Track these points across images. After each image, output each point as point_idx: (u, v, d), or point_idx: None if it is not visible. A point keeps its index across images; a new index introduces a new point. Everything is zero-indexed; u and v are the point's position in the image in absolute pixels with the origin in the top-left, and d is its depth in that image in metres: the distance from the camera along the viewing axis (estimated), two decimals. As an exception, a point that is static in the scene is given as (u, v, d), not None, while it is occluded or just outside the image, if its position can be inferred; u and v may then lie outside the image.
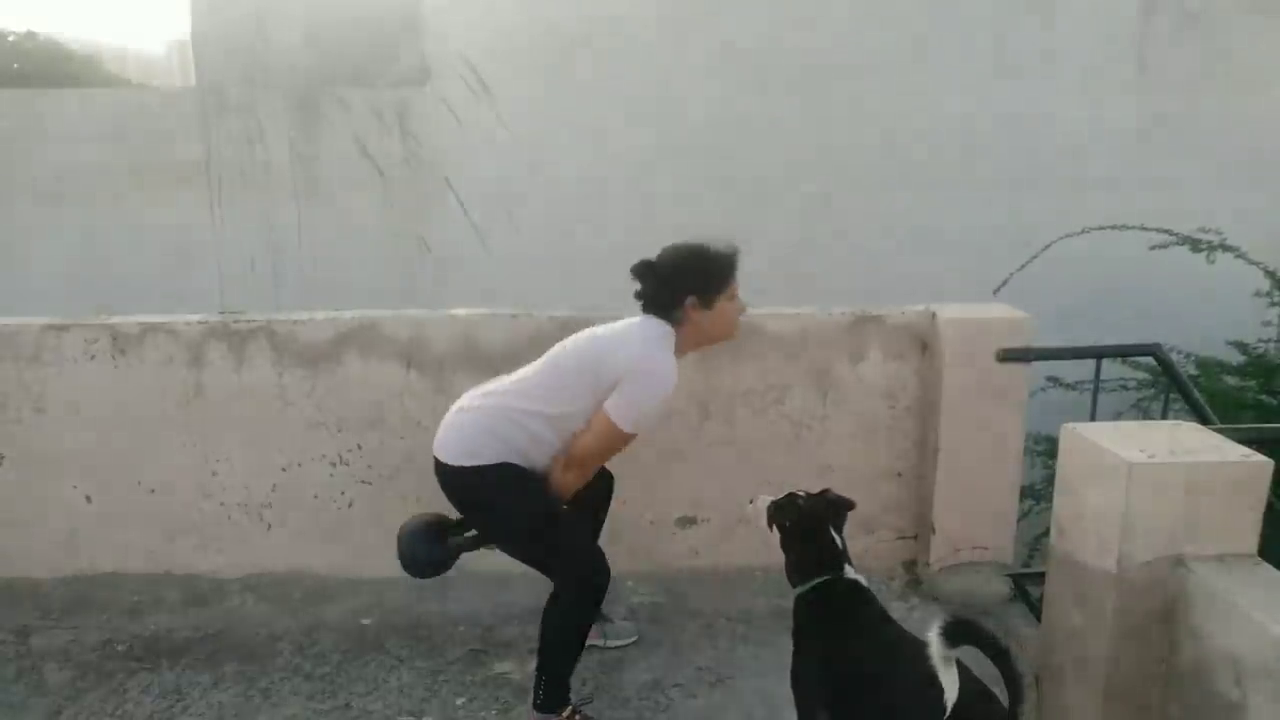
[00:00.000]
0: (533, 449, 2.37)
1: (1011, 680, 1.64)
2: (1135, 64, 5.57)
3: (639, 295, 2.43)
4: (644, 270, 2.41)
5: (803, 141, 5.55)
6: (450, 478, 2.38)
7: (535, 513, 2.38)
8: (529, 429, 2.35)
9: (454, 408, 2.46)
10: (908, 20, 5.53)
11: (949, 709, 1.63)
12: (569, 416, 2.36)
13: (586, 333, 2.46)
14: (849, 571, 2.09)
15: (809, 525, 2.13)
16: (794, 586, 2.13)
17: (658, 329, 2.39)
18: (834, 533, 2.13)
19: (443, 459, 2.38)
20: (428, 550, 2.45)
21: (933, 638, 1.62)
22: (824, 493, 2.20)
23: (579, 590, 2.35)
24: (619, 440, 2.35)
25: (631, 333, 2.40)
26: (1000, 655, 1.64)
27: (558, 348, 2.45)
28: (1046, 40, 5.52)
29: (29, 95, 6.14)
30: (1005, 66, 5.49)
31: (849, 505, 2.19)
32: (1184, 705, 1.99)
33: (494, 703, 2.62)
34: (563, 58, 5.79)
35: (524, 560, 2.45)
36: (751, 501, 2.28)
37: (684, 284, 2.38)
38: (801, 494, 2.21)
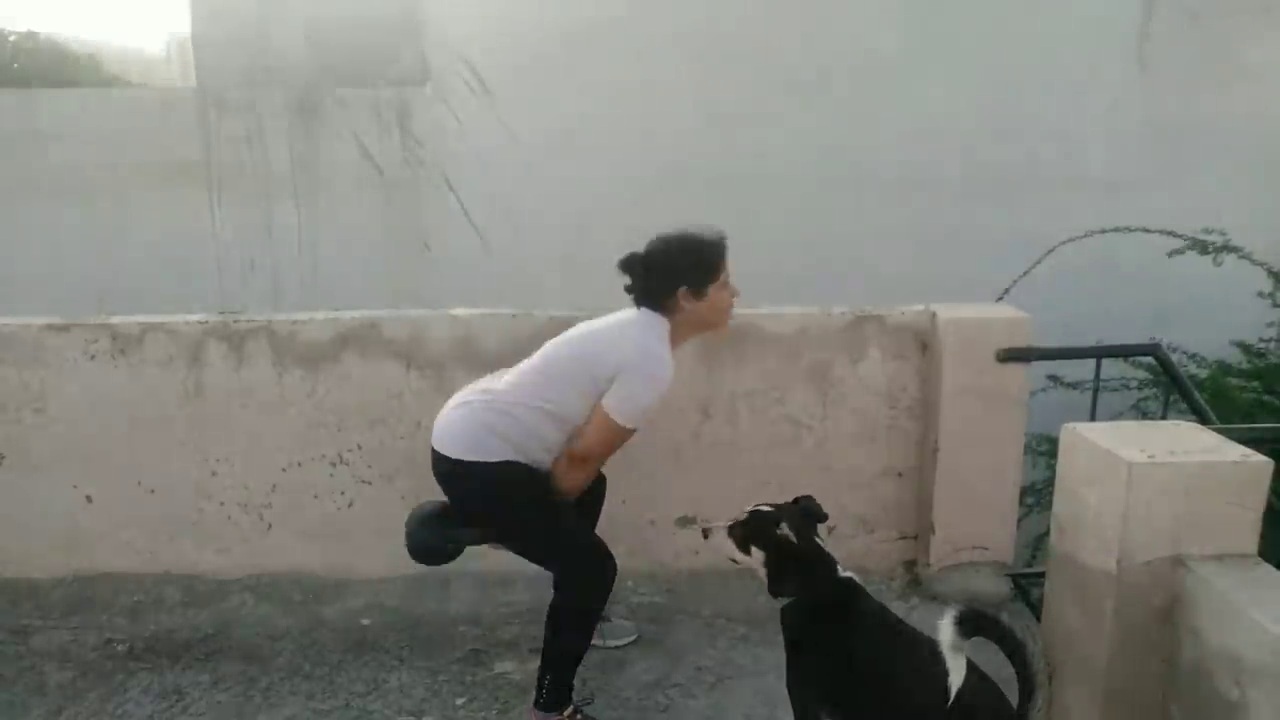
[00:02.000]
0: (531, 443, 2.36)
1: (1025, 678, 1.63)
2: (1135, 64, 5.57)
3: (629, 289, 2.42)
4: (632, 263, 2.40)
5: (803, 142, 5.54)
6: (450, 472, 2.37)
7: (538, 508, 2.38)
8: (528, 423, 2.34)
9: (451, 402, 2.46)
10: (908, 20, 5.53)
11: (952, 694, 1.61)
12: (567, 410, 2.35)
13: (581, 327, 2.46)
14: (840, 571, 2.07)
15: (800, 544, 2.06)
16: (777, 598, 2.09)
17: (651, 321, 2.38)
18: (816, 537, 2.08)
19: (443, 452, 2.37)
20: (436, 536, 2.45)
21: (945, 624, 1.61)
22: (797, 501, 2.15)
23: (584, 585, 2.35)
24: (620, 435, 2.35)
25: (626, 327, 2.39)
26: (1016, 651, 1.63)
27: (553, 343, 2.45)
28: (1047, 40, 5.52)
29: (29, 95, 6.13)
30: (1005, 66, 5.48)
31: (822, 518, 2.14)
32: (1184, 705, 1.99)
33: (494, 703, 2.62)
34: (563, 58, 5.79)
35: (528, 557, 2.45)
36: (705, 535, 2.22)
37: (675, 275, 2.36)
38: (767, 507, 2.14)
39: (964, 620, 1.61)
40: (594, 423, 2.33)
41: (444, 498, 2.45)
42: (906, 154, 5.54)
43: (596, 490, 2.70)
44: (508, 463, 2.33)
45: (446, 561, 2.50)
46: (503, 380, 2.43)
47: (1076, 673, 2.18)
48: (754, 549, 2.11)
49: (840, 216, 5.55)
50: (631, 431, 2.35)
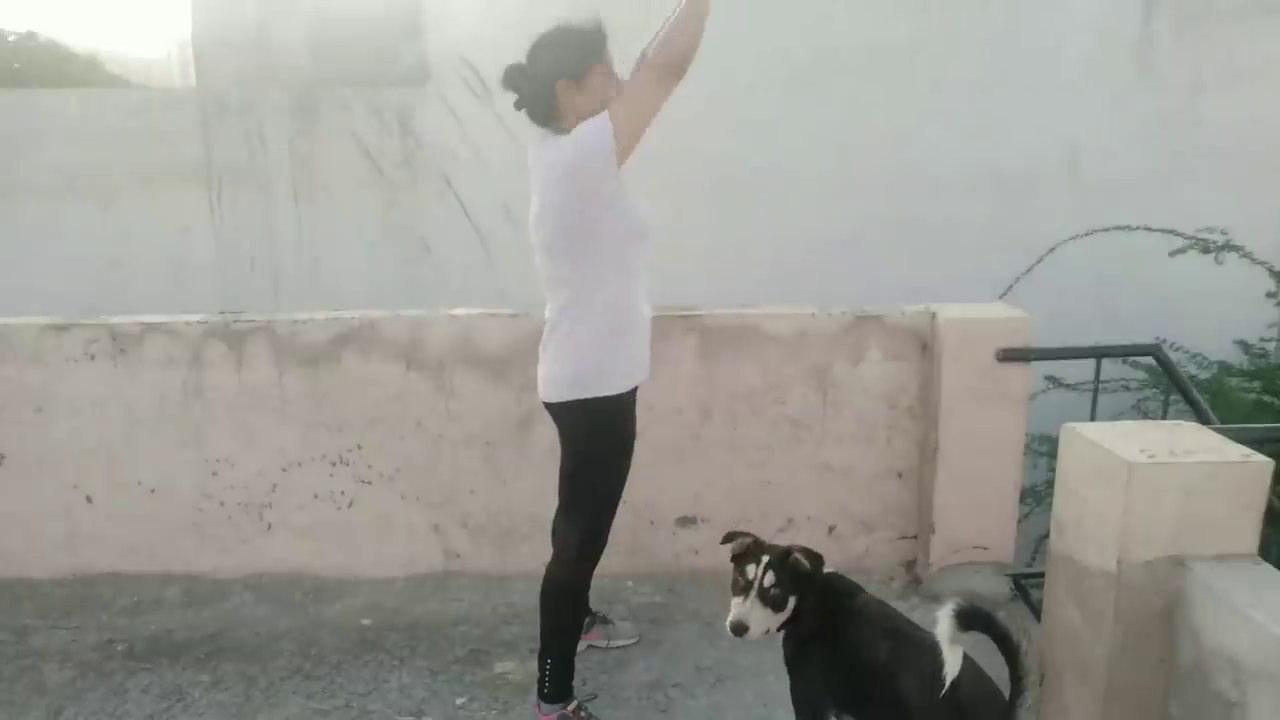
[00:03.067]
0: (614, 317, 2.26)
1: (1016, 676, 1.65)
2: (1135, 64, 5.57)
3: (518, 105, 2.29)
4: (513, 73, 2.26)
5: (802, 142, 5.54)
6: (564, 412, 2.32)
7: (616, 451, 2.36)
8: (596, 310, 2.24)
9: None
10: (907, 19, 5.52)
11: (947, 683, 1.63)
12: (592, 263, 2.22)
13: (532, 210, 2.29)
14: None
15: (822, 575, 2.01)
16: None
17: (548, 132, 2.24)
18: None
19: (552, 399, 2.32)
20: None
21: (943, 616, 1.63)
22: (791, 549, 2.01)
23: (580, 549, 2.37)
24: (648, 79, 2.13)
25: (539, 165, 2.23)
26: (1010, 650, 1.65)
27: (536, 250, 2.32)
28: (1046, 40, 5.51)
29: (29, 95, 6.13)
30: (1005, 66, 5.48)
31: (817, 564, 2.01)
32: (1184, 705, 1.99)
33: (494, 703, 2.62)
34: (563, 58, 5.76)
35: (569, 487, 2.39)
36: (740, 631, 1.96)
37: (549, 68, 2.20)
38: (769, 578, 1.96)
39: (962, 614, 1.62)
40: (627, 95, 2.13)
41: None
42: (905, 153, 5.54)
43: None
44: (602, 398, 2.27)
45: None
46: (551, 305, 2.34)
47: (1076, 673, 2.18)
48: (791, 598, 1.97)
49: (840, 216, 5.54)
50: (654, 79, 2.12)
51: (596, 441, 2.33)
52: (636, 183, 2.27)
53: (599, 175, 2.13)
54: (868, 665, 1.90)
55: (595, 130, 2.09)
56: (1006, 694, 1.70)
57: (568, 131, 2.18)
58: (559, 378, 2.30)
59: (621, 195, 2.20)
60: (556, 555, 2.42)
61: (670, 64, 2.09)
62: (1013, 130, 5.52)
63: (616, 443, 2.37)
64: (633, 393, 2.38)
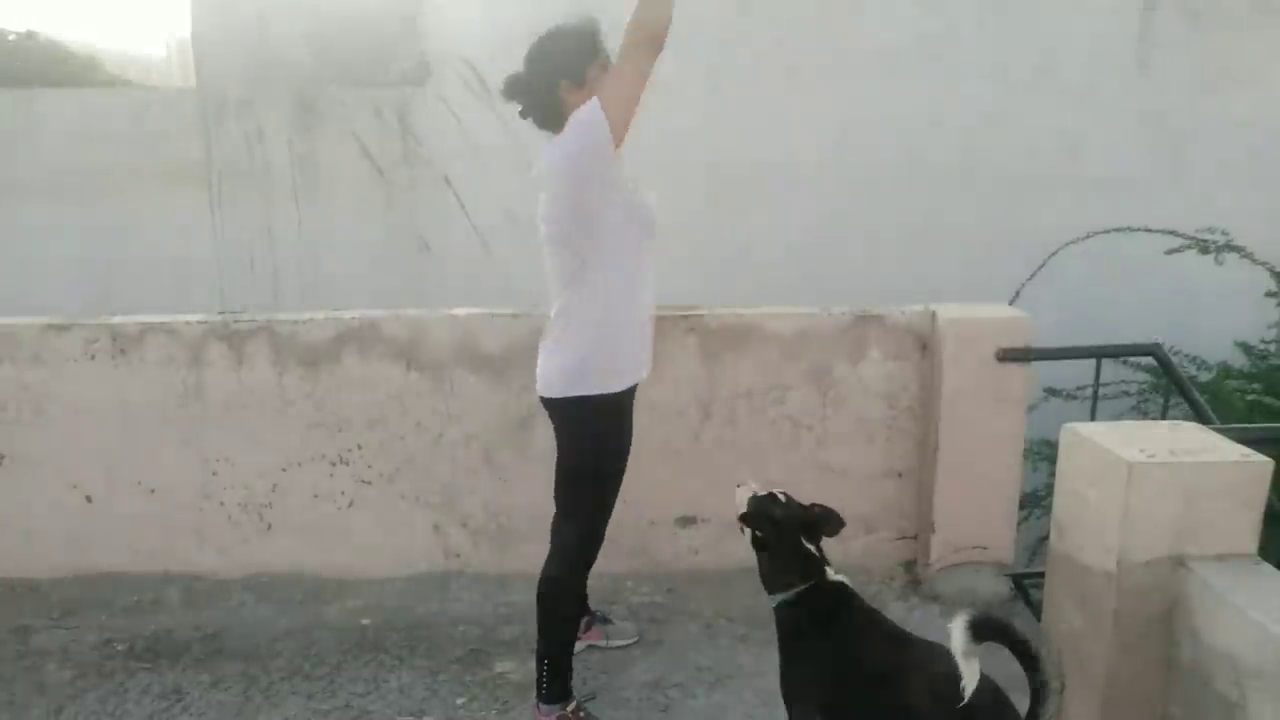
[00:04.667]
0: (618, 312, 2.28)
1: (1038, 685, 1.59)
2: (1135, 64, 5.57)
3: (523, 114, 2.31)
4: (512, 83, 2.28)
5: (802, 142, 5.54)
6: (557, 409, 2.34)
7: (611, 450, 2.37)
8: (599, 304, 2.25)
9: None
10: (907, 20, 5.52)
11: (966, 698, 1.58)
12: (599, 251, 2.22)
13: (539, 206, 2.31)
14: (830, 574, 2.05)
15: (783, 535, 2.06)
16: (770, 594, 2.09)
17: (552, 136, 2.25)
18: (809, 545, 2.06)
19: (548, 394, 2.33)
20: None
21: (957, 629, 1.58)
22: (813, 507, 2.12)
23: (576, 550, 2.38)
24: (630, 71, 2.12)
25: (547, 153, 2.24)
26: (1030, 658, 1.59)
27: (543, 246, 2.32)
28: (1046, 40, 5.52)
29: (29, 95, 6.13)
30: (1005, 66, 5.48)
31: (833, 528, 2.08)
32: (1184, 705, 1.99)
33: (494, 703, 2.62)
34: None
35: (565, 486, 2.40)
36: (739, 485, 2.23)
37: (548, 73, 2.23)
38: (782, 496, 2.14)
39: (976, 626, 1.57)
40: (610, 81, 2.14)
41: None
42: (905, 153, 5.54)
43: None
44: (601, 395, 2.29)
45: None
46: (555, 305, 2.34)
47: (1076, 673, 2.18)
48: (749, 529, 2.13)
49: (840, 216, 5.54)
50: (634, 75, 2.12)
51: (592, 440, 2.33)
52: (636, 180, 2.27)
53: (596, 158, 2.13)
54: (860, 678, 1.89)
55: (586, 115, 2.11)
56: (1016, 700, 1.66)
57: None
58: (556, 373, 2.31)
59: (625, 184, 2.21)
60: (552, 556, 2.41)
61: (644, 38, 2.09)
62: (1013, 130, 5.52)
63: (612, 442, 2.37)
64: (631, 392, 2.38)
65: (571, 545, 2.39)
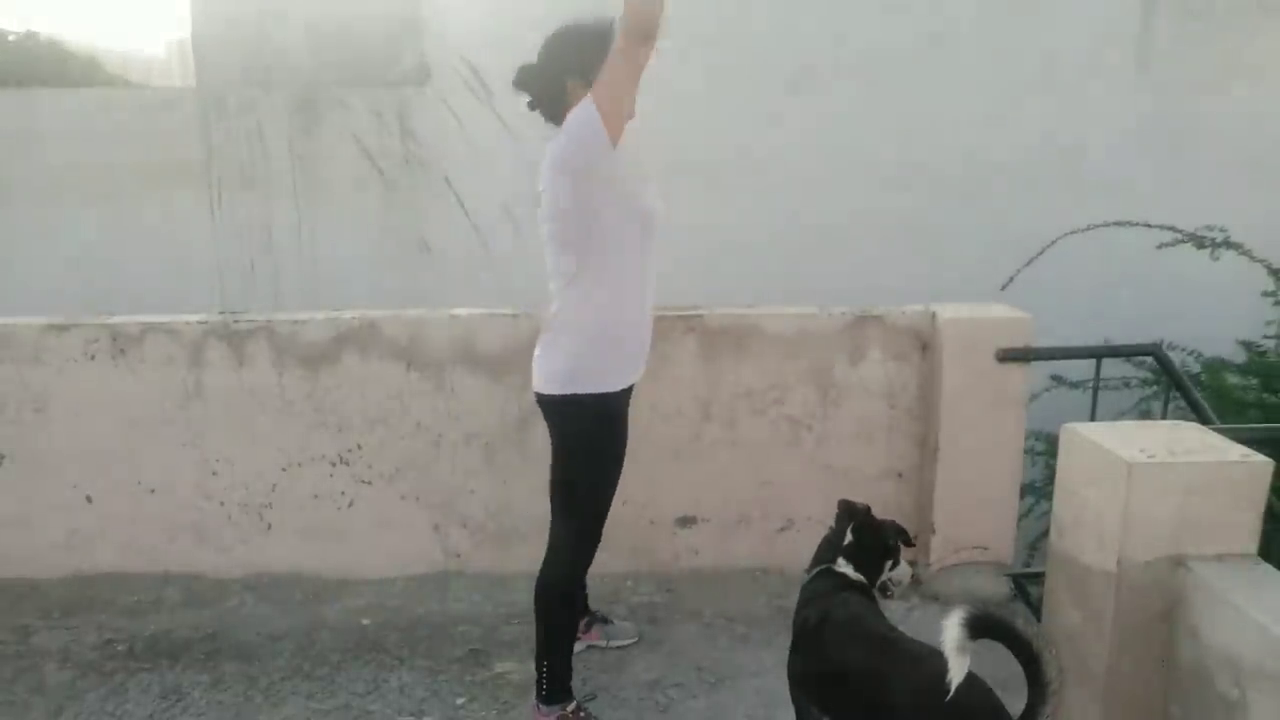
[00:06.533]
0: (615, 309, 2.28)
1: (1038, 684, 1.57)
2: (1135, 64, 5.57)
3: (531, 106, 2.31)
4: (524, 74, 2.29)
5: (802, 141, 5.54)
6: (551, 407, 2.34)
7: (607, 450, 2.36)
8: (596, 303, 2.24)
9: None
10: (908, 20, 5.52)
11: (951, 692, 1.57)
12: (597, 249, 2.22)
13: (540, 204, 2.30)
14: (840, 565, 2.08)
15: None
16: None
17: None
18: (850, 532, 2.13)
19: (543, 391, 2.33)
20: None
21: (951, 624, 1.57)
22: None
23: (573, 551, 2.37)
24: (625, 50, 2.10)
25: (547, 152, 2.23)
26: (1030, 657, 1.58)
27: (544, 244, 2.32)
28: (1046, 40, 5.51)
29: (29, 95, 6.13)
30: (1004, 66, 5.48)
31: (899, 537, 2.17)
32: (1184, 705, 1.99)
33: (494, 703, 2.62)
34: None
35: (560, 487, 2.40)
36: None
37: (559, 68, 2.23)
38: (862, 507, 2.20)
39: (972, 622, 1.56)
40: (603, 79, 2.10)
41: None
42: (905, 154, 5.54)
43: None
44: (598, 394, 2.29)
45: None
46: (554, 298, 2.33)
47: (1076, 673, 2.18)
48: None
49: (840, 216, 5.54)
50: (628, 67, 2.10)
51: (585, 440, 2.33)
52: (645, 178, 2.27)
53: (589, 157, 2.13)
54: (848, 669, 1.89)
55: (578, 114, 2.12)
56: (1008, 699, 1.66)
57: None
58: (551, 371, 2.30)
59: (623, 181, 2.20)
60: (549, 557, 2.41)
61: (634, 31, 2.07)
62: (1012, 130, 5.52)
63: (607, 442, 2.36)
64: (627, 392, 2.37)
65: (566, 546, 2.39)
